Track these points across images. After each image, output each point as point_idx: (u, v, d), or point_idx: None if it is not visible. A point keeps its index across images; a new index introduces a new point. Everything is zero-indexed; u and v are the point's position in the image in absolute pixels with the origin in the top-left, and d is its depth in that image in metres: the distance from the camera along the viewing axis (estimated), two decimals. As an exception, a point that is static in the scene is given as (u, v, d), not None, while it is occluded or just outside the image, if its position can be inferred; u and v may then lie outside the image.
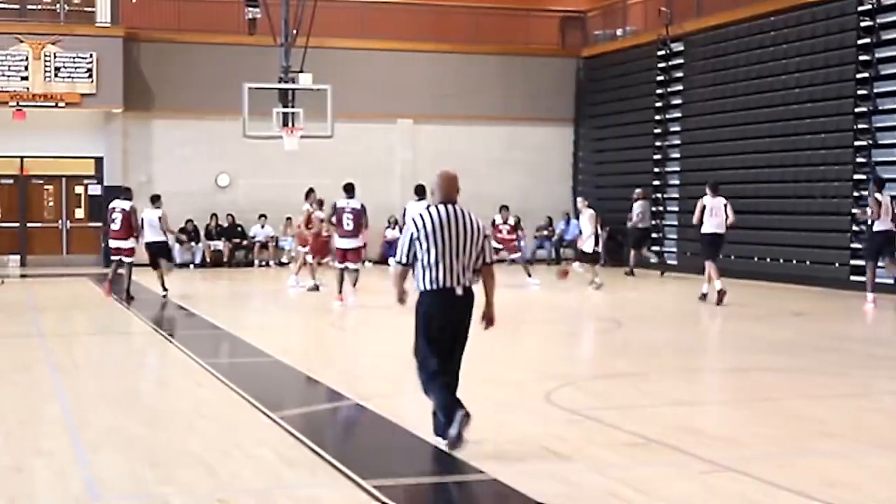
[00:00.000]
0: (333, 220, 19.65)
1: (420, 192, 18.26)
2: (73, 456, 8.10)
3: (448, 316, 8.10)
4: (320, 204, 22.43)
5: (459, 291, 8.05)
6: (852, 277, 22.66)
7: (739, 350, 14.61)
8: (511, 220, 24.74)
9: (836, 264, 23.23)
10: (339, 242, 19.40)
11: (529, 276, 24.09)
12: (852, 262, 22.81)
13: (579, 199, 24.64)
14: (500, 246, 23.51)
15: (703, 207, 20.34)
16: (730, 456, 7.97)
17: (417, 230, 8.09)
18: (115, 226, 20.53)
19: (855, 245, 22.79)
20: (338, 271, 19.45)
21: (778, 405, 10.18)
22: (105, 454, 8.12)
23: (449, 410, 8.00)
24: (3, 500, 6.87)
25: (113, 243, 20.82)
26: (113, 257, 21.08)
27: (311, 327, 17.32)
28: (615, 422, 9.16)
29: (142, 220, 20.87)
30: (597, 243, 23.61)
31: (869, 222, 19.73)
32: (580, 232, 23.59)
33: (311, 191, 22.62)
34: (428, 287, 8.07)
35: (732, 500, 6.90)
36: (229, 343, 15.21)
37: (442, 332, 8.10)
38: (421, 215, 8.19)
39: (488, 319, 8.31)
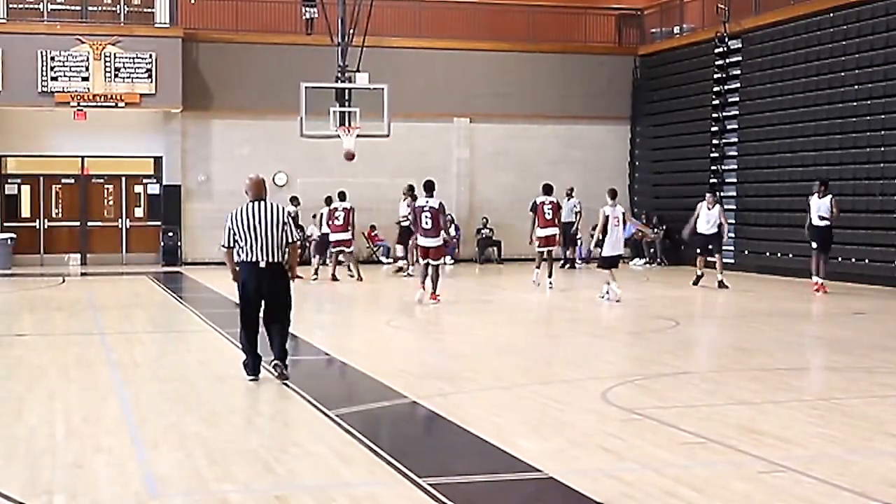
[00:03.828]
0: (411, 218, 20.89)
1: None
2: (133, 453, 8.17)
3: (255, 282, 10.96)
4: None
5: (263, 264, 10.87)
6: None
7: (800, 349, 14.45)
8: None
9: (896, 262, 22.96)
10: (421, 241, 19.73)
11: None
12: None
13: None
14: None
15: None
16: (790, 456, 7.90)
17: (232, 222, 10.95)
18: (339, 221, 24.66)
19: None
20: (422, 266, 19.89)
21: (840, 405, 10.05)
22: (164, 451, 8.18)
23: (251, 363, 11.22)
24: (65, 497, 6.95)
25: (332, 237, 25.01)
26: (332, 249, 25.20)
27: (368, 325, 17.34)
28: (673, 421, 9.10)
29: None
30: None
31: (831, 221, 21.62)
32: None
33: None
34: (243, 260, 10.95)
35: (792, 500, 6.82)
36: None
37: (251, 293, 11.02)
38: (237, 211, 11.00)
39: (291, 277, 11.25)
